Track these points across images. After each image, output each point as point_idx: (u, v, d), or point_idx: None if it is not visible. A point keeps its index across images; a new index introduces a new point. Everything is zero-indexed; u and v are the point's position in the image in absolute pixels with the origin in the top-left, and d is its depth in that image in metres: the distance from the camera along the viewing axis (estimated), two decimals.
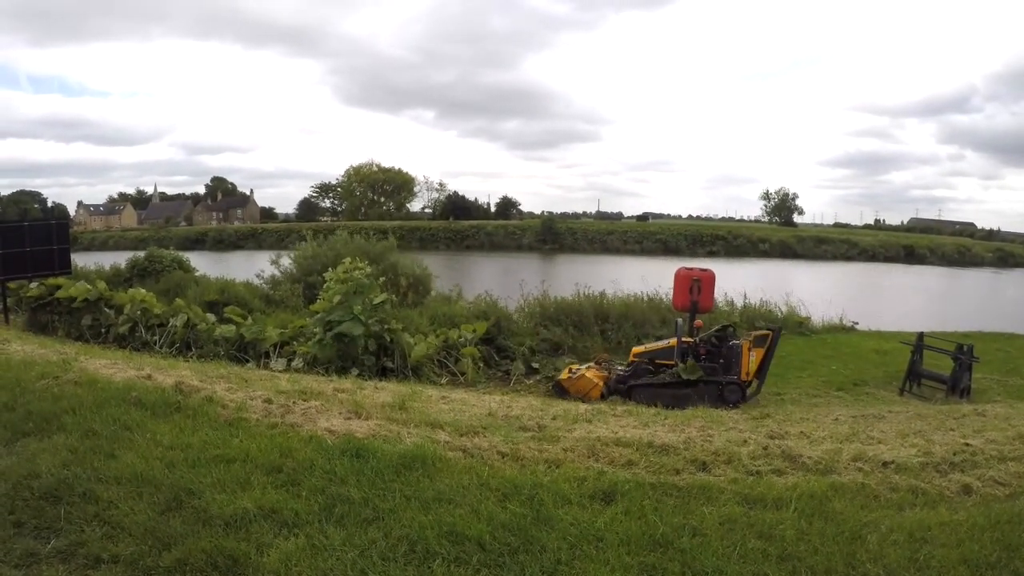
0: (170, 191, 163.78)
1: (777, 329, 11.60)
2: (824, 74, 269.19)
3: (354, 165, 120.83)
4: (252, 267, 27.08)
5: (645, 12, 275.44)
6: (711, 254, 70.88)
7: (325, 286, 12.94)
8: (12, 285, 19.02)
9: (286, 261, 23.06)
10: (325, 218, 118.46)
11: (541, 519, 3.71)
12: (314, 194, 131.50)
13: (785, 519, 3.76)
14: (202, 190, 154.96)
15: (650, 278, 17.06)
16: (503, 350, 14.02)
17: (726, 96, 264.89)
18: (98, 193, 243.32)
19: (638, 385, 11.10)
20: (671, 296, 13.56)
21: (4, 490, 4.30)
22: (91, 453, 4.72)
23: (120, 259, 29.49)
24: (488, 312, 15.00)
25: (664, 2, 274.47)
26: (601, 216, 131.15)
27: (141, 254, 27.46)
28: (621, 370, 11.79)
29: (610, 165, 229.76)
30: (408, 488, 4.10)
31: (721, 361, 11.07)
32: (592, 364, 12.19)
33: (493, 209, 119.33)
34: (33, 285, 18.59)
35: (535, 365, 13.58)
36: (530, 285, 16.98)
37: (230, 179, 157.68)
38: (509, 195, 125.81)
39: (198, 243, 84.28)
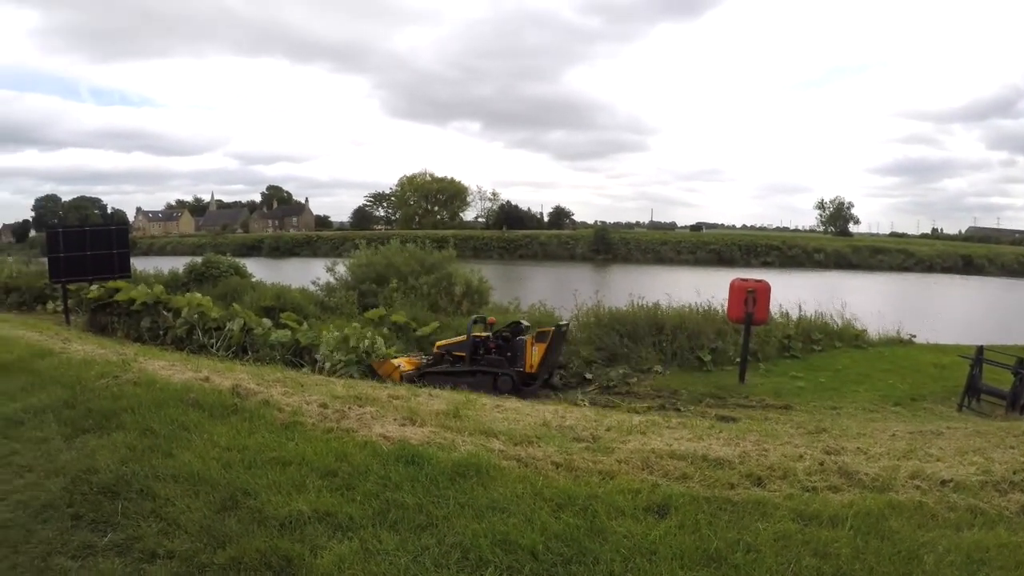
0: (227, 199, 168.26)
1: (559, 327, 12.70)
2: (866, 80, 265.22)
3: (408, 175, 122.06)
4: (306, 274, 27.49)
5: (680, 25, 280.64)
6: (765, 264, 69.41)
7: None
8: (72, 287, 19.63)
9: (341, 268, 23.37)
10: (379, 227, 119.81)
11: (595, 530, 3.67)
12: (368, 203, 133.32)
13: (840, 537, 3.66)
14: (258, 198, 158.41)
15: (704, 289, 16.85)
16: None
17: (770, 104, 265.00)
18: (156, 200, 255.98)
19: (428, 372, 12.40)
20: (726, 307, 13.55)
21: (63, 484, 4.44)
22: (149, 451, 4.84)
23: (177, 264, 30.21)
24: (542, 322, 14.97)
25: (697, 15, 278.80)
26: (654, 226, 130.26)
27: (199, 259, 28.17)
28: (426, 360, 13.22)
29: (659, 175, 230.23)
30: (462, 496, 4.09)
31: (508, 354, 12.33)
32: (410, 355, 13.90)
33: (546, 219, 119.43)
34: (93, 287, 19.17)
35: (588, 376, 13.51)
36: (584, 295, 16.90)
37: (285, 188, 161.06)
38: (562, 205, 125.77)
39: (254, 250, 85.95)
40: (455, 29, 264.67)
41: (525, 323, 13.35)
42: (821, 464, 4.88)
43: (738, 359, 13.26)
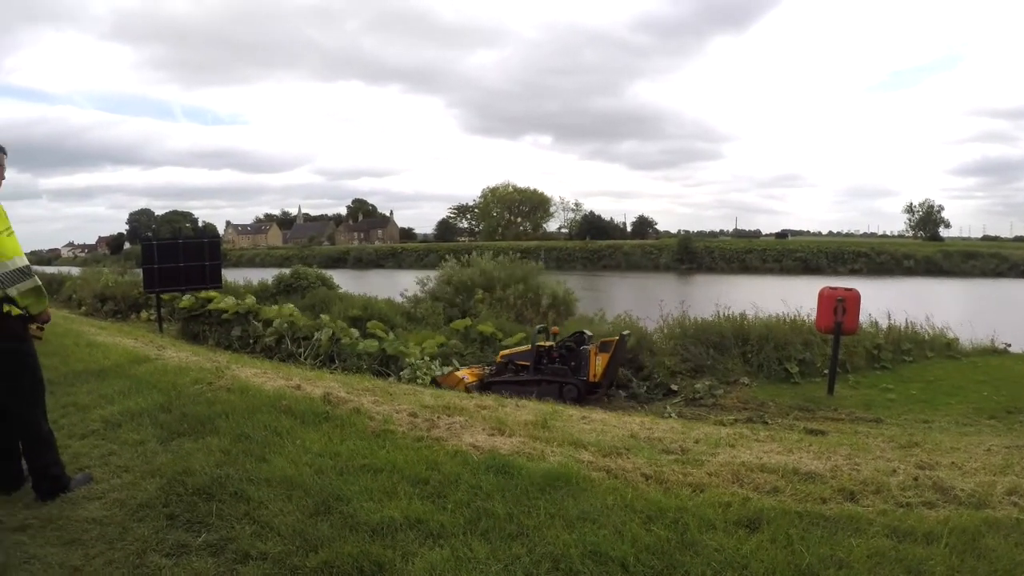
0: (313, 212, 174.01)
1: (622, 336, 12.80)
2: (934, 80, 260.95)
3: (490, 186, 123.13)
4: (391, 285, 27.92)
5: (732, 37, 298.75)
6: (853, 272, 67.18)
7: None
8: (166, 297, 20.44)
9: (432, 282, 23.74)
10: (463, 238, 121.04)
11: (685, 543, 3.60)
12: (452, 215, 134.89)
13: (935, 555, 3.51)
14: (344, 211, 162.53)
15: (791, 298, 16.44)
16: (641, 370, 13.88)
17: (839, 108, 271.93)
18: (246, 214, 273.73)
19: (494, 381, 12.49)
20: (813, 317, 13.20)
21: (159, 484, 4.60)
22: (243, 455, 4.98)
23: (265, 275, 31.08)
24: (627, 332, 14.86)
25: (744, 27, 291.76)
26: (738, 234, 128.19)
27: (288, 271, 28.93)
28: (490, 369, 13.34)
29: (737, 182, 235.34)
30: (552, 506, 4.07)
31: (572, 364, 12.43)
32: (472, 366, 14.01)
33: (629, 229, 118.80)
34: (186, 297, 19.92)
35: (674, 387, 13.34)
36: (669, 305, 16.71)
37: (370, 201, 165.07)
38: (644, 214, 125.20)
39: (339, 261, 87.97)
40: (517, 51, 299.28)
41: (588, 333, 13.46)
42: (915, 479, 4.71)
43: (826, 370, 12.85)
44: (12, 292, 4.33)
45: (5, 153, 4.65)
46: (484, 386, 12.26)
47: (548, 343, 12.93)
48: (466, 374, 13.04)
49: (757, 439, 6.21)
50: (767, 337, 14.33)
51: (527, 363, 12.74)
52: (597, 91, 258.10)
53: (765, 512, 3.98)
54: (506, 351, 13.49)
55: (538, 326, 13.73)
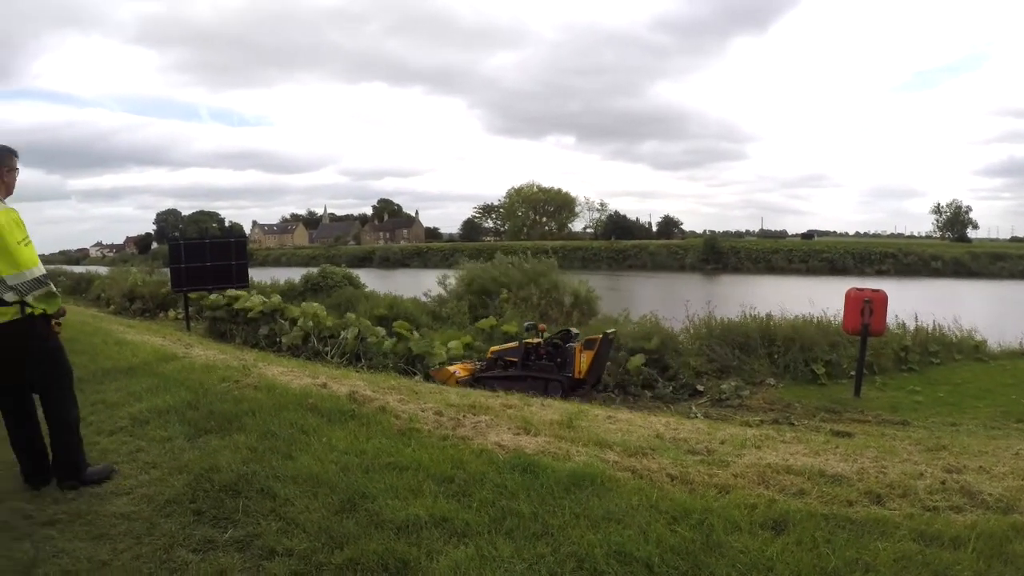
0: (339, 212, 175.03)
1: (606, 334, 12.79)
2: (959, 80, 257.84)
3: (515, 186, 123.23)
4: (417, 284, 28.00)
5: (753, 38, 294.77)
6: (880, 273, 66.01)
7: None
8: (193, 295, 20.67)
9: (451, 280, 23.94)
10: (488, 238, 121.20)
11: (711, 545, 3.58)
12: (477, 215, 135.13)
13: (962, 560, 3.45)
14: (369, 211, 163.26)
15: (817, 299, 16.31)
16: (667, 370, 13.84)
17: (862, 108, 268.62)
18: (272, 214, 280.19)
19: (483, 376, 12.83)
20: (840, 318, 13.14)
21: (186, 481, 4.66)
22: (269, 453, 5.03)
23: (291, 274, 31.32)
24: (652, 332, 14.82)
25: (764, 28, 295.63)
26: (764, 234, 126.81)
27: (315, 270, 29.18)
28: (480, 365, 13.57)
29: (761, 182, 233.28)
30: (577, 506, 4.07)
31: (558, 360, 12.63)
32: (464, 361, 14.28)
33: (655, 228, 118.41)
34: (213, 296, 20.13)
35: (700, 387, 13.29)
36: (694, 305, 16.63)
37: (396, 201, 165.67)
38: (670, 214, 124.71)
39: (365, 261, 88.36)
40: (537, 52, 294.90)
41: (574, 331, 13.72)
42: (942, 483, 4.65)
43: (853, 372, 12.76)
44: (28, 299, 4.63)
45: (16, 155, 4.92)
46: (474, 380, 12.72)
47: (536, 340, 13.17)
48: (458, 368, 13.37)
49: (783, 440, 6.16)
50: (793, 338, 14.24)
51: (515, 359, 13.04)
52: (618, 91, 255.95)
53: (791, 514, 3.95)
54: (496, 347, 13.82)
55: (526, 323, 14.11)
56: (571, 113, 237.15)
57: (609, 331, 13.37)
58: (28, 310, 4.65)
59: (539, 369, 12.67)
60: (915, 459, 5.45)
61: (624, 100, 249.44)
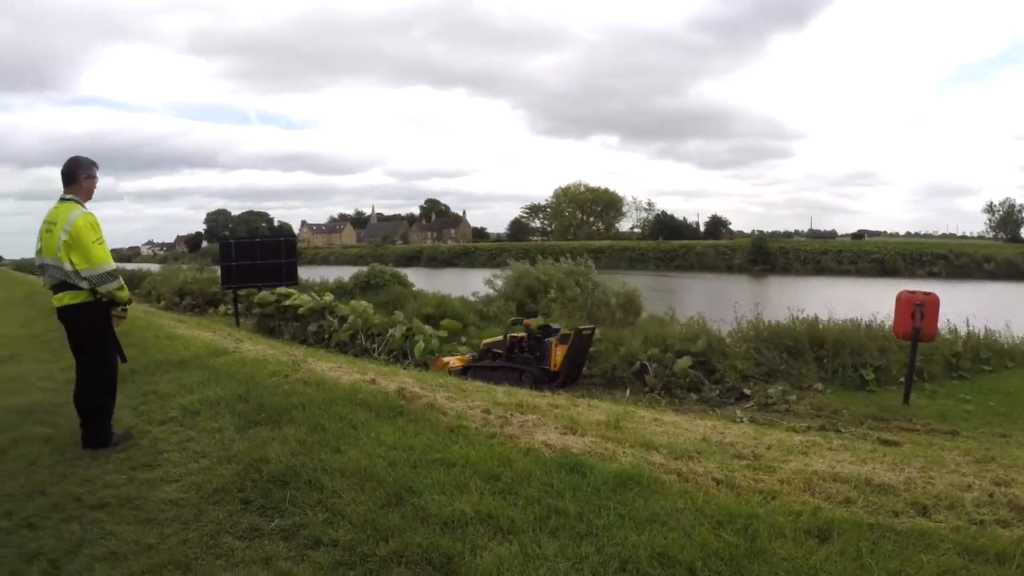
0: (387, 212, 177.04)
1: (579, 330, 13.51)
2: (1006, 72, 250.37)
3: (562, 186, 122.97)
4: (463, 283, 28.16)
5: (792, 35, 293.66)
6: (931, 275, 63.51)
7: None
8: (242, 292, 21.11)
9: (498, 282, 24.15)
10: (535, 238, 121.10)
11: (754, 551, 3.54)
12: (524, 214, 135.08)
13: (1007, 575, 3.40)
14: (417, 211, 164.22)
15: (867, 302, 15.99)
16: (713, 373, 13.69)
17: (909, 104, 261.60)
18: (320, 214, 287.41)
19: (471, 366, 13.63)
20: (890, 322, 12.78)
21: (235, 470, 4.76)
22: (318, 446, 5.11)
23: (340, 273, 31.72)
24: (699, 334, 14.68)
25: (802, 24, 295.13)
26: (814, 235, 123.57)
27: (364, 269, 29.50)
28: (472, 356, 14.37)
29: (809, 181, 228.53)
30: (622, 507, 4.05)
31: (537, 353, 13.42)
32: (458, 353, 15.28)
33: (702, 228, 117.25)
34: (263, 293, 20.53)
35: (747, 391, 13.12)
36: (743, 307, 16.43)
37: (443, 201, 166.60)
38: (717, 213, 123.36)
39: (413, 260, 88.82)
40: (577, 53, 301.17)
41: (555, 326, 14.30)
42: (990, 496, 4.54)
43: (902, 378, 12.39)
44: (101, 289, 5.49)
45: (96, 166, 5.84)
46: (464, 371, 13.42)
47: (521, 334, 13.83)
48: (452, 359, 14.34)
49: (830, 447, 6.08)
50: (843, 342, 13.97)
51: (501, 351, 13.78)
52: (660, 91, 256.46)
53: (836, 523, 3.89)
54: (487, 340, 14.58)
55: (511, 318, 15.06)
56: (614, 113, 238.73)
57: (585, 327, 14.03)
58: (97, 296, 5.50)
59: (521, 361, 13.53)
60: (963, 470, 5.34)
61: (666, 100, 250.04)
